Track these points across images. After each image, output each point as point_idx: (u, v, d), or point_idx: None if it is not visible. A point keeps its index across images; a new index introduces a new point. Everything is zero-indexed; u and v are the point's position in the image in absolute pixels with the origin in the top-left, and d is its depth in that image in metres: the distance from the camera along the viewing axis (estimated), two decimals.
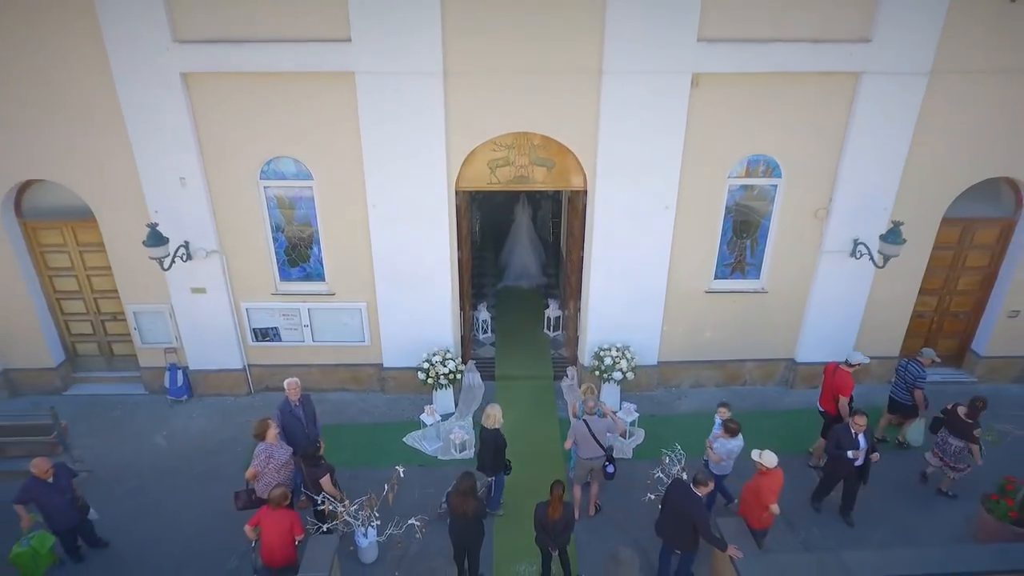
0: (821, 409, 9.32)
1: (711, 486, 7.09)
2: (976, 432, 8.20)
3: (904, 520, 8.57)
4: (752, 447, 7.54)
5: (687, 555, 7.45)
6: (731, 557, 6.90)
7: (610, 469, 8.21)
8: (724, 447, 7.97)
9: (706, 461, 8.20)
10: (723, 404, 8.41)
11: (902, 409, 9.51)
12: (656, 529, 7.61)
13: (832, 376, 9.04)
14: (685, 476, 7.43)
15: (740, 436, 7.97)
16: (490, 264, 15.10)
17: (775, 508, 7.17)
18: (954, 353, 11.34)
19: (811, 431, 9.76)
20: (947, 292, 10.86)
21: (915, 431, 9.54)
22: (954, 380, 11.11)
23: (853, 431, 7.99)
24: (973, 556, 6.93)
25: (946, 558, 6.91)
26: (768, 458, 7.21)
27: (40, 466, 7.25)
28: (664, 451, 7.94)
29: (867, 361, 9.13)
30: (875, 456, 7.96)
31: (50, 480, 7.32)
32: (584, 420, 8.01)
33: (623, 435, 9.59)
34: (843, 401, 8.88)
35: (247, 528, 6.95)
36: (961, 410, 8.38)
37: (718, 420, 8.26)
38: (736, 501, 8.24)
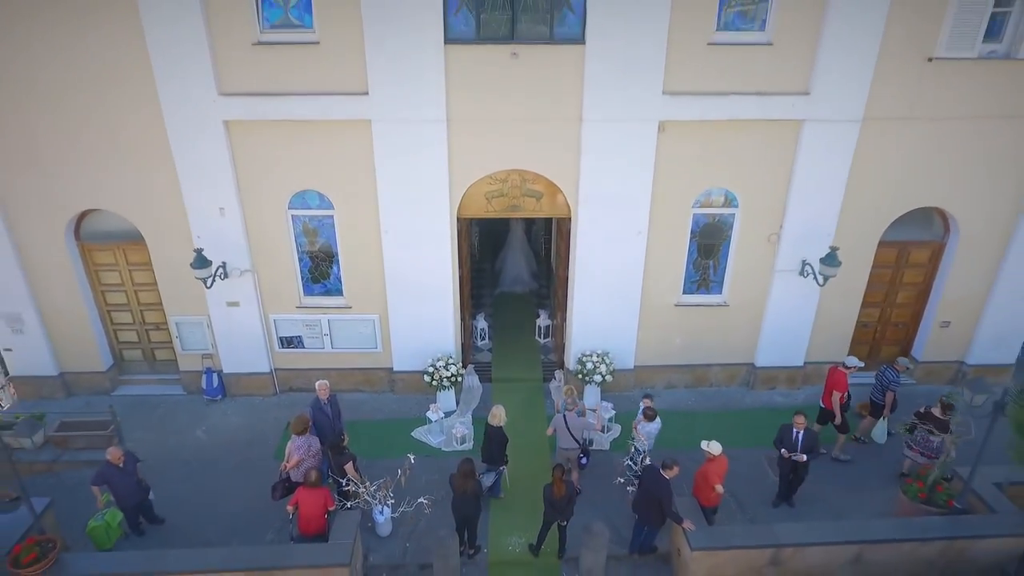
0: (821, 404, 10.74)
1: (676, 470, 8.56)
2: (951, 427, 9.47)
3: (841, 502, 10.05)
4: (717, 440, 8.96)
5: (652, 529, 8.96)
6: (684, 529, 8.42)
7: (583, 460, 9.69)
8: (644, 429, 9.54)
9: (633, 439, 9.71)
10: (647, 396, 10.08)
11: (877, 409, 10.90)
12: (632, 507, 9.13)
13: (831, 376, 10.48)
14: (662, 466, 8.87)
15: (658, 420, 9.61)
16: (488, 276, 16.60)
17: (720, 488, 8.67)
18: (893, 357, 12.81)
19: (769, 427, 11.06)
20: (887, 305, 12.38)
21: (879, 430, 10.93)
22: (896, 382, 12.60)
23: (795, 430, 9.45)
24: (877, 528, 8.46)
25: (856, 529, 8.45)
26: (714, 447, 8.71)
27: (114, 454, 8.76)
28: (630, 441, 9.45)
29: (861, 365, 10.62)
30: (801, 456, 9.35)
31: (121, 465, 8.83)
32: (563, 415, 9.53)
33: (601, 430, 11.07)
34: (835, 396, 10.28)
35: (288, 508, 8.44)
36: (935, 411, 9.70)
37: (642, 407, 9.84)
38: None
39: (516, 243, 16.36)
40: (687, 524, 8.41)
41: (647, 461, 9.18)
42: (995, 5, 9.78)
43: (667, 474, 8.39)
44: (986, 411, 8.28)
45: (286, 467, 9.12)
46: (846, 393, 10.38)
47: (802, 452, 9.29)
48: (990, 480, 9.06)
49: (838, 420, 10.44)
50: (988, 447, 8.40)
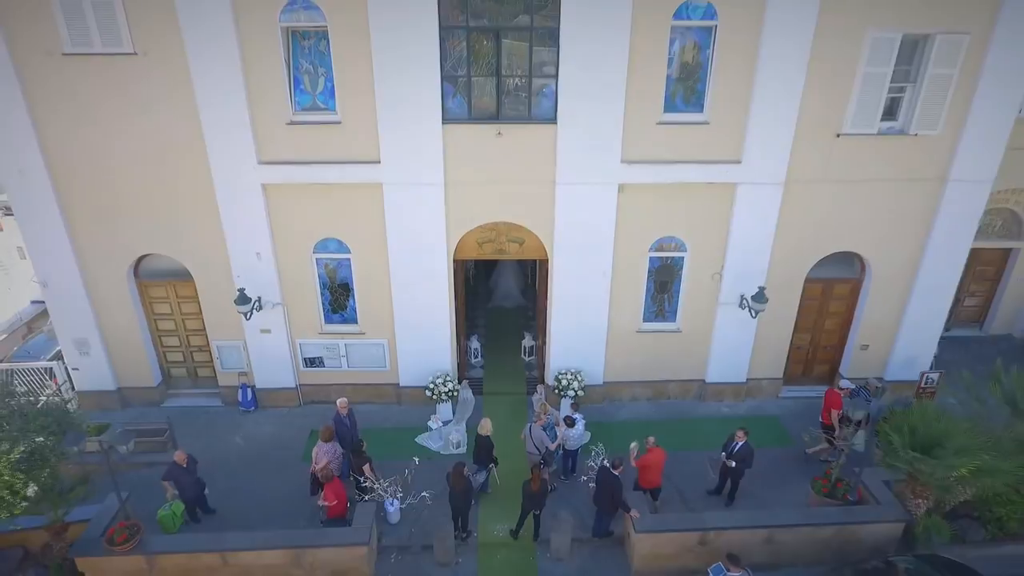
0: (821, 420, 12.78)
1: (622, 468, 10.79)
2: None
3: (767, 495, 12.25)
4: (672, 446, 11.18)
5: (607, 516, 11.20)
6: (631, 517, 10.66)
7: (543, 466, 11.71)
8: (566, 433, 11.99)
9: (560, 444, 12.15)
10: (574, 403, 12.74)
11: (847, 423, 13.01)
12: (593, 500, 11.35)
13: (828, 397, 12.56)
14: (607, 462, 11.11)
15: (579, 427, 12.22)
16: (482, 298, 18.88)
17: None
18: (827, 375, 15.12)
19: (715, 433, 13.37)
20: (817, 331, 14.65)
21: (859, 439, 12.93)
22: (816, 394, 14.84)
23: (736, 441, 11.60)
24: (783, 515, 10.72)
25: (767, 517, 10.71)
26: (650, 440, 10.99)
27: (180, 456, 11.01)
28: (590, 447, 11.71)
29: (852, 387, 12.94)
30: (731, 462, 11.55)
31: (185, 465, 11.07)
32: (530, 426, 11.80)
33: (555, 448, 13.03)
34: (834, 414, 12.34)
35: (322, 503, 10.67)
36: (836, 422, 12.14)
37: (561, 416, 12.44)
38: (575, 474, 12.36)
39: (507, 264, 18.81)
40: (634, 513, 10.66)
41: (599, 459, 11.45)
42: (890, 92, 12.04)
43: (616, 471, 10.64)
44: (864, 425, 10.53)
45: (315, 468, 11.36)
46: (840, 411, 12.43)
47: (735, 460, 11.50)
48: (880, 478, 11.30)
49: (838, 433, 11.97)
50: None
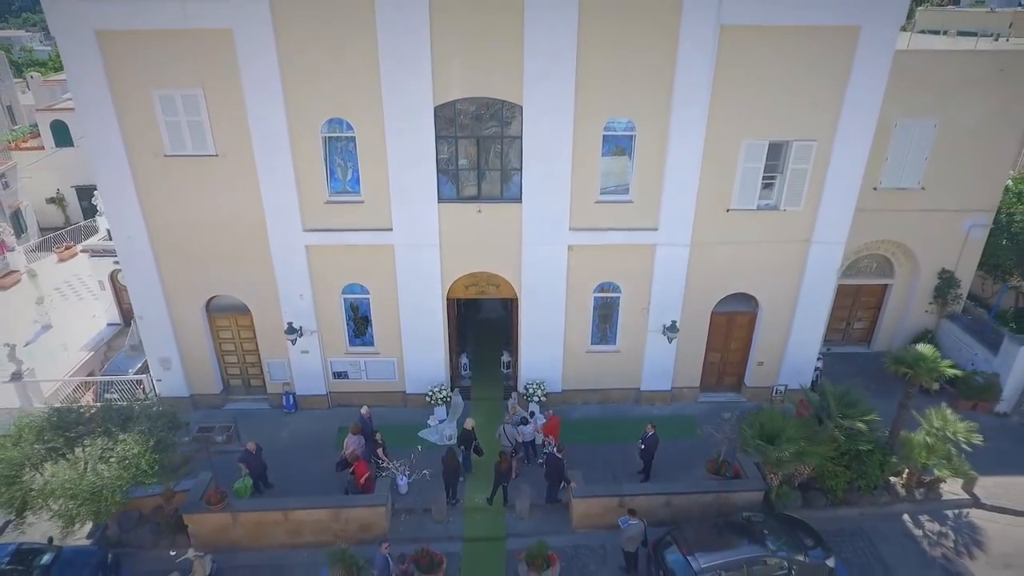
0: None
1: (564, 452, 15.25)
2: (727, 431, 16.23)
3: (675, 474, 16.66)
4: (613, 439, 15.63)
5: (555, 487, 15.65)
6: (571, 487, 15.12)
7: (514, 456, 16.13)
8: (522, 430, 16.40)
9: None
10: (523, 419, 16.83)
11: None
12: (544, 476, 15.78)
13: (800, 404, 16.61)
14: (558, 451, 15.51)
15: (531, 426, 16.47)
16: (471, 322, 23.32)
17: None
18: (735, 385, 19.59)
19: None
20: (725, 350, 19.12)
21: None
22: (735, 401, 19.31)
23: (647, 432, 16.03)
24: (676, 486, 15.20)
25: (665, 487, 15.18)
26: (549, 412, 15.54)
27: (251, 445, 15.48)
28: (546, 439, 16.19)
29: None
30: (641, 446, 15.98)
31: (254, 452, 15.52)
32: (504, 425, 16.29)
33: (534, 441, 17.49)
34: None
35: (352, 474, 15.12)
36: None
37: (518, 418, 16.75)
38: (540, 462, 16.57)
39: None
40: (572, 484, 15.13)
41: (547, 450, 15.93)
42: (763, 180, 16.49)
43: (559, 454, 15.12)
44: (733, 423, 15.03)
45: (345, 453, 15.81)
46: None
47: (646, 446, 15.96)
48: (752, 461, 15.73)
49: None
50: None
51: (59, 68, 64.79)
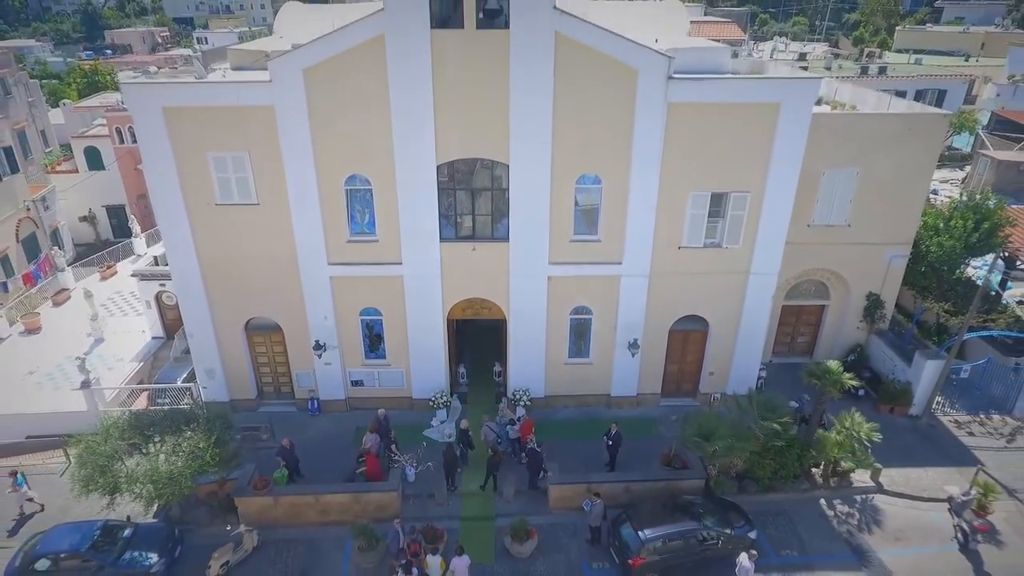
0: None
1: (542, 447, 18.75)
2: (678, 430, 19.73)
3: (637, 465, 20.12)
4: (587, 437, 19.12)
5: (536, 476, 19.14)
6: (548, 475, 18.61)
7: (498, 445, 19.67)
8: (512, 431, 19.80)
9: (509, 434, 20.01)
10: (512, 421, 20.25)
11: None
12: (527, 467, 19.26)
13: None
14: (537, 447, 18.99)
15: (517, 425, 19.77)
16: (468, 337, 26.80)
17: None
18: (691, 391, 23.08)
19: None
20: (682, 362, 22.61)
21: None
22: (691, 405, 22.80)
23: (611, 430, 19.52)
24: (632, 475, 18.68)
25: (624, 476, 18.67)
26: (523, 415, 19.00)
27: (286, 441, 18.99)
28: (530, 438, 19.70)
29: (797, 405, 20.67)
30: (608, 441, 19.49)
31: (288, 447, 19.02)
32: (487, 425, 19.83)
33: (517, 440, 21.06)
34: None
35: (359, 470, 18.60)
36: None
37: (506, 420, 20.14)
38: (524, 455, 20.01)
39: None
40: (549, 474, 18.63)
41: (529, 446, 19.43)
42: (708, 221, 19.96)
43: (539, 450, 18.63)
44: (679, 424, 18.52)
45: (364, 448, 19.30)
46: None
47: (612, 442, 19.45)
48: (696, 455, 19.18)
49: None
50: None
51: (79, 82, 67.79)
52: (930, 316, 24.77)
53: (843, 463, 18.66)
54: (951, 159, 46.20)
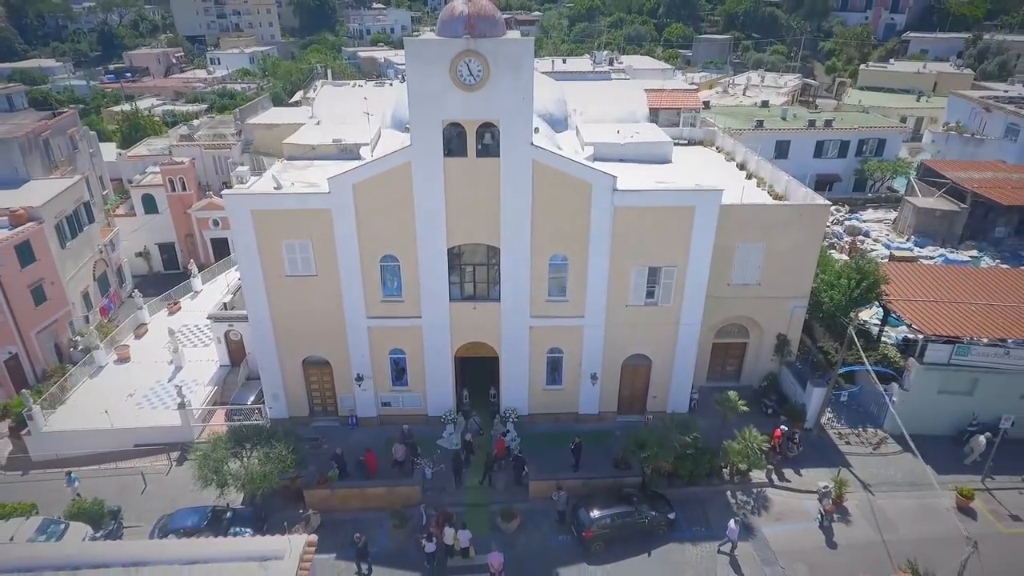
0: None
1: (522, 453, 25.84)
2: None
3: (597, 467, 27.16)
4: (561, 446, 26.24)
5: (519, 475, 26.24)
6: (527, 473, 25.74)
7: (481, 435, 26.79)
8: (507, 438, 26.94)
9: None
10: (504, 433, 27.40)
11: None
12: (513, 469, 26.35)
13: (775, 433, 27.54)
14: (519, 453, 26.06)
15: (512, 434, 26.92)
16: (469, 372, 33.92)
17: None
18: (641, 410, 30.17)
19: (584, 441, 28.37)
20: (632, 388, 29.68)
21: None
22: (639, 421, 29.87)
23: (575, 440, 26.59)
24: (590, 474, 25.87)
25: (586, 474, 25.85)
26: (501, 432, 26.11)
27: (339, 450, 26.09)
28: (508, 449, 26.80)
29: (787, 428, 27.95)
30: (573, 447, 26.58)
31: (340, 454, 26.11)
32: (465, 433, 26.98)
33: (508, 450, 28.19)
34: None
35: (362, 457, 25.70)
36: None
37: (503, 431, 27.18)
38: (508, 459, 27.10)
39: None
40: (528, 473, 25.74)
41: (514, 454, 26.56)
42: (648, 287, 27.05)
43: (521, 456, 25.75)
44: (621, 436, 25.68)
45: (395, 455, 26.38)
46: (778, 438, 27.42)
47: (575, 450, 26.53)
48: (636, 459, 26.24)
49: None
50: None
51: (121, 124, 73.03)
52: (830, 351, 31.91)
53: (740, 466, 25.79)
54: (888, 200, 53.05)
